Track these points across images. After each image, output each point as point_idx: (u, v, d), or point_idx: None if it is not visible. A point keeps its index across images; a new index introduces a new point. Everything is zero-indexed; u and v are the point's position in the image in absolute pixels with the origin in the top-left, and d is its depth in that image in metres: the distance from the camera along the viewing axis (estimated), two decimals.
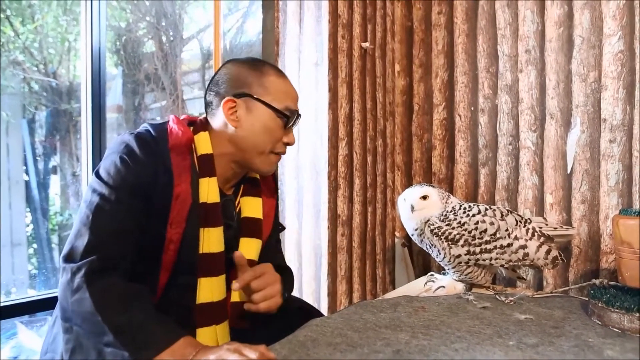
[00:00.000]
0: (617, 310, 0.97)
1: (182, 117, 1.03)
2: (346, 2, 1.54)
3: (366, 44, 1.60)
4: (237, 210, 1.07)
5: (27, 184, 3.01)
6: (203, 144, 0.98)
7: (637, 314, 0.93)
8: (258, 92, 0.98)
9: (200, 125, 1.01)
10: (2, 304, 1.39)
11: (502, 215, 1.23)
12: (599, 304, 1.01)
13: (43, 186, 3.12)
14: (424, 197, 1.27)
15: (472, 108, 1.61)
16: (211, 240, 0.96)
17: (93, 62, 1.60)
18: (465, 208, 1.24)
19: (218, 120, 1.00)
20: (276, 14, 1.60)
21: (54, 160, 3.19)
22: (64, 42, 2.87)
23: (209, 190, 0.96)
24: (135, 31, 2.69)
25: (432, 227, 1.24)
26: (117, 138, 0.95)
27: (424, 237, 1.26)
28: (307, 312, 1.14)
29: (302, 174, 1.57)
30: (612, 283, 1.10)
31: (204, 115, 1.04)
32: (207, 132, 1.00)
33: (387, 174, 1.72)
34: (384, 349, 0.87)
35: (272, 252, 1.16)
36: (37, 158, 3.06)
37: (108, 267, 0.84)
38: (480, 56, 1.60)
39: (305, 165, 1.56)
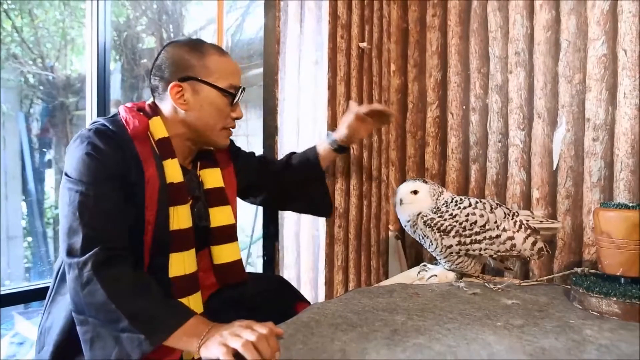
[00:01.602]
0: (596, 295, 1.04)
1: (127, 104, 1.07)
2: (345, 4, 1.60)
3: (364, 44, 1.66)
4: (199, 182, 1.14)
5: (24, 177, 3.03)
6: (158, 128, 1.03)
7: (614, 299, 1.01)
8: (201, 73, 1.03)
9: (150, 110, 1.05)
10: (1, 293, 1.42)
11: (491, 208, 1.30)
12: (580, 290, 1.08)
13: (39, 179, 3.13)
14: (414, 192, 1.33)
15: (464, 107, 1.69)
16: (180, 217, 1.02)
17: (99, 57, 1.64)
18: (456, 201, 1.31)
19: (167, 104, 1.05)
20: (277, 14, 1.66)
21: (49, 154, 3.20)
22: (64, 37, 2.89)
23: (173, 171, 1.02)
24: (135, 27, 2.72)
25: (424, 218, 1.31)
26: (74, 138, 0.97)
27: (416, 229, 1.33)
28: (286, 284, 1.31)
29: None
30: (592, 271, 1.18)
31: (151, 100, 1.09)
32: (159, 117, 1.04)
33: (382, 169, 1.79)
34: (382, 329, 0.94)
35: (258, 160, 1.36)
36: (34, 151, 3.08)
37: (112, 256, 0.89)
38: (472, 57, 1.67)
39: None
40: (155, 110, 1.06)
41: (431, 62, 1.77)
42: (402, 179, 1.83)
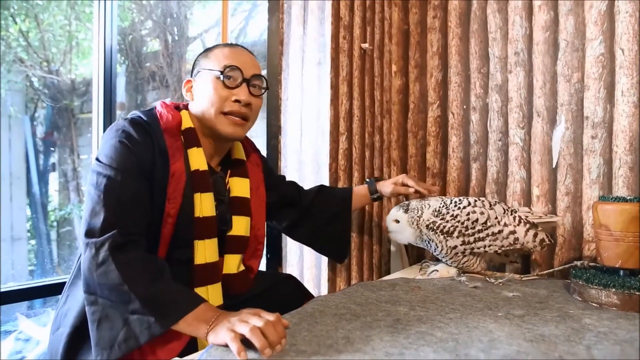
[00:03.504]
0: (595, 287, 1.06)
1: (167, 101, 1.13)
2: (347, 6, 1.63)
3: (365, 45, 1.69)
4: (227, 187, 1.17)
5: (28, 179, 3.06)
6: (185, 119, 1.09)
7: (614, 289, 1.03)
8: (203, 64, 1.11)
9: (183, 107, 1.14)
10: (2, 290, 1.43)
11: (490, 205, 1.32)
12: (580, 282, 1.10)
13: (43, 182, 3.16)
14: (396, 221, 1.37)
15: (465, 106, 1.71)
16: (204, 204, 1.05)
17: (105, 60, 1.67)
18: (455, 202, 1.33)
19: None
20: (281, 16, 1.69)
21: (54, 157, 3.23)
22: (71, 40, 2.93)
23: (198, 159, 1.06)
24: (140, 30, 2.76)
25: (427, 222, 1.32)
26: (111, 126, 1.02)
27: (422, 235, 1.34)
28: (293, 279, 1.34)
29: (304, 166, 1.65)
30: (591, 264, 1.19)
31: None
32: (187, 111, 1.12)
33: (384, 168, 1.81)
34: (386, 318, 0.96)
35: (292, 184, 1.42)
36: (39, 154, 3.11)
37: (129, 240, 0.91)
38: (472, 58, 1.70)
39: (307, 158, 1.65)
40: (186, 107, 1.14)
41: (432, 63, 1.79)
42: None
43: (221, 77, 1.07)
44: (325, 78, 1.59)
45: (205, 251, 1.04)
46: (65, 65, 3.07)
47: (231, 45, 1.14)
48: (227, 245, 1.14)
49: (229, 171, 1.19)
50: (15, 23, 2.89)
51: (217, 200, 1.11)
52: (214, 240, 1.07)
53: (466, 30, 1.71)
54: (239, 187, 1.18)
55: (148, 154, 0.98)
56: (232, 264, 1.14)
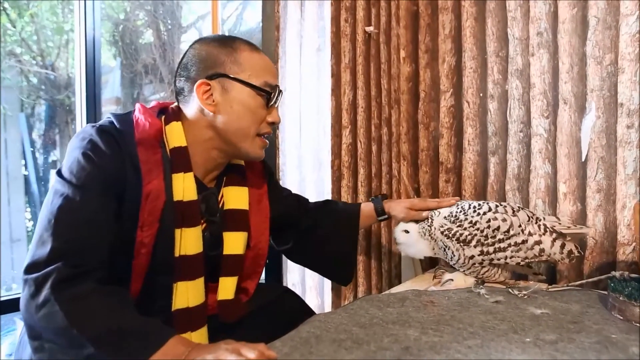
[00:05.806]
0: None
1: (150, 104, 0.95)
2: None
3: (370, 28, 1.54)
4: (220, 203, 1.00)
5: (26, 179, 2.97)
6: (176, 135, 0.91)
7: None
8: (232, 70, 0.91)
9: (172, 114, 0.94)
10: (2, 299, 1.34)
11: (513, 211, 1.16)
12: (620, 298, 0.95)
13: (42, 181, 3.08)
14: (406, 231, 1.23)
15: (481, 94, 1.55)
16: (188, 241, 0.89)
17: (87, 52, 1.54)
18: (474, 207, 1.18)
19: (192, 107, 0.93)
20: None
21: (54, 155, 3.14)
22: (61, 33, 2.82)
23: (185, 187, 0.89)
24: (134, 21, 2.64)
25: (441, 229, 1.18)
26: (77, 133, 0.87)
27: (438, 243, 1.20)
28: (291, 293, 1.18)
29: (305, 163, 1.51)
30: (633, 275, 1.03)
31: (176, 104, 0.97)
32: (179, 122, 0.92)
33: (393, 163, 1.66)
34: (392, 346, 0.81)
35: (296, 201, 1.24)
36: (36, 152, 3.02)
37: (78, 273, 0.76)
38: (489, 40, 1.53)
39: (307, 154, 1.51)
40: (177, 115, 0.94)
41: (444, 47, 1.63)
42: (415, 174, 1.70)
43: (266, 97, 0.94)
44: (325, 66, 1.44)
45: (187, 293, 0.90)
46: (61, 60, 2.96)
47: (259, 50, 0.97)
48: (223, 266, 0.99)
49: (224, 179, 1.03)
50: (7, 16, 2.79)
51: (208, 222, 0.96)
52: (199, 281, 0.92)
53: (482, 9, 1.54)
54: (235, 197, 1.02)
55: (116, 169, 0.83)
56: (229, 288, 0.99)
